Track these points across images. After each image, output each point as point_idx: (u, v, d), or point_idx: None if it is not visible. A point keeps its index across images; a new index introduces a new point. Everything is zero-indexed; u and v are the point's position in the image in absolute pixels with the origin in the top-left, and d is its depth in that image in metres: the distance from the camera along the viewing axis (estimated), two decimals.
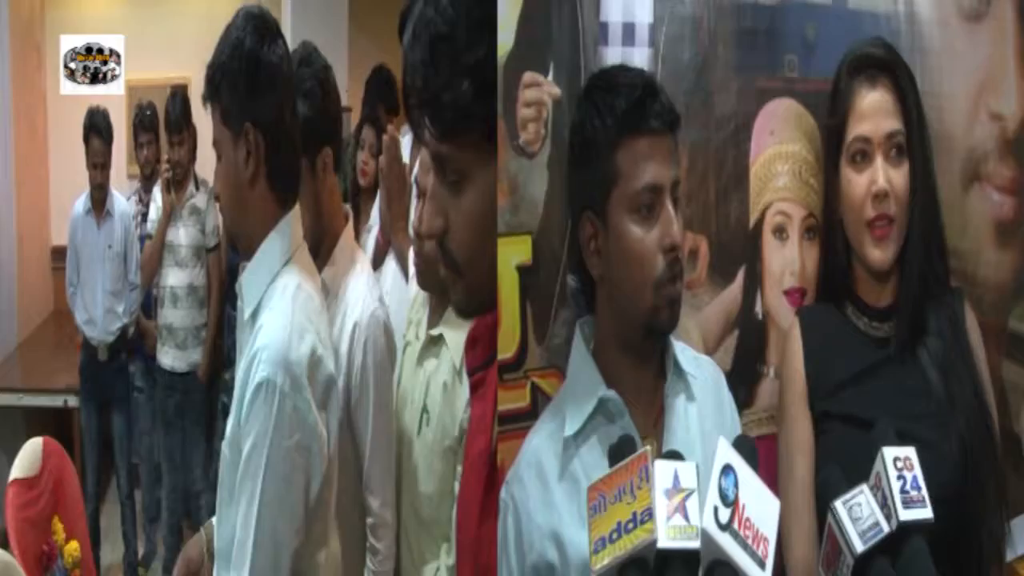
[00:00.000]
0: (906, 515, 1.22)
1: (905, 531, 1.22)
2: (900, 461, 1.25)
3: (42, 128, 6.38)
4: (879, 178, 1.60)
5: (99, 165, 4.70)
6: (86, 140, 4.69)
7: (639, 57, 1.61)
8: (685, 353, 1.47)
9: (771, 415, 1.72)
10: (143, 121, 4.88)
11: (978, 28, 1.81)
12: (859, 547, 1.22)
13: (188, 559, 2.05)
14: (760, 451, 1.66)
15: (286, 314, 1.77)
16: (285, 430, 1.72)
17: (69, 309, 4.92)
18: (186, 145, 4.63)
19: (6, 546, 2.45)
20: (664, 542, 1.04)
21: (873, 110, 1.62)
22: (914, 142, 1.62)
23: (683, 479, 1.07)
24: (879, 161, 1.61)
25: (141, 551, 5.05)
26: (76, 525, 2.89)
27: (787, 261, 1.72)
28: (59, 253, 5.69)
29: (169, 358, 4.67)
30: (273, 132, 1.83)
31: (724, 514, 1.06)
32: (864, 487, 1.26)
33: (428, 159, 2.11)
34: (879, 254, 1.61)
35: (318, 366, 1.80)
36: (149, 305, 4.89)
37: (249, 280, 1.85)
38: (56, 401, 4.99)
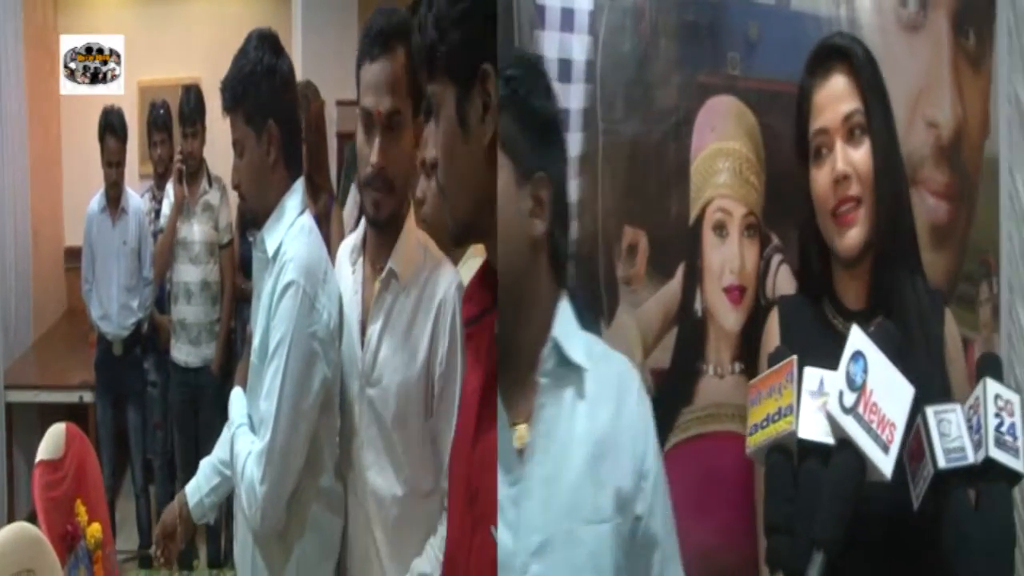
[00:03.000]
0: (996, 454, 1.21)
1: (990, 469, 1.21)
2: (1001, 401, 1.24)
3: (55, 130, 6.43)
4: (838, 162, 1.57)
5: (114, 163, 4.77)
6: (101, 139, 4.75)
7: (578, 44, 1.60)
8: (593, 348, 1.38)
9: (711, 413, 1.70)
10: (157, 120, 4.92)
11: (915, 38, 1.82)
12: (942, 463, 1.21)
13: (163, 522, 2.34)
14: (702, 449, 1.67)
15: (306, 241, 2.10)
16: (306, 319, 2.01)
17: (83, 308, 4.98)
18: (199, 138, 4.68)
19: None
20: (802, 434, 1.19)
21: (828, 99, 1.60)
22: (874, 120, 1.59)
23: (828, 385, 1.21)
24: (839, 145, 1.58)
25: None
26: (97, 508, 2.94)
27: (727, 258, 1.72)
28: (72, 253, 5.75)
29: (183, 353, 4.72)
30: (286, 124, 2.16)
31: (849, 398, 1.16)
32: (958, 406, 1.25)
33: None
34: (845, 240, 1.58)
35: (328, 283, 2.08)
36: (163, 300, 4.94)
37: (271, 227, 2.14)
38: (71, 397, 5.05)
